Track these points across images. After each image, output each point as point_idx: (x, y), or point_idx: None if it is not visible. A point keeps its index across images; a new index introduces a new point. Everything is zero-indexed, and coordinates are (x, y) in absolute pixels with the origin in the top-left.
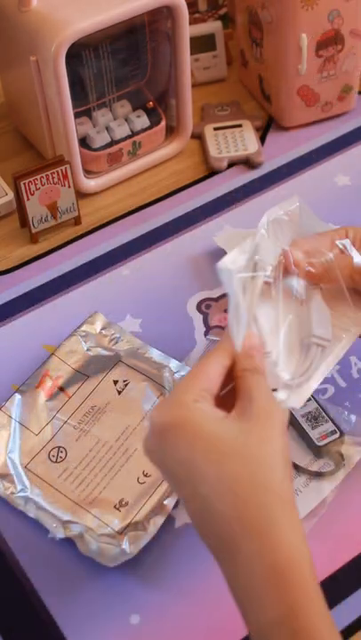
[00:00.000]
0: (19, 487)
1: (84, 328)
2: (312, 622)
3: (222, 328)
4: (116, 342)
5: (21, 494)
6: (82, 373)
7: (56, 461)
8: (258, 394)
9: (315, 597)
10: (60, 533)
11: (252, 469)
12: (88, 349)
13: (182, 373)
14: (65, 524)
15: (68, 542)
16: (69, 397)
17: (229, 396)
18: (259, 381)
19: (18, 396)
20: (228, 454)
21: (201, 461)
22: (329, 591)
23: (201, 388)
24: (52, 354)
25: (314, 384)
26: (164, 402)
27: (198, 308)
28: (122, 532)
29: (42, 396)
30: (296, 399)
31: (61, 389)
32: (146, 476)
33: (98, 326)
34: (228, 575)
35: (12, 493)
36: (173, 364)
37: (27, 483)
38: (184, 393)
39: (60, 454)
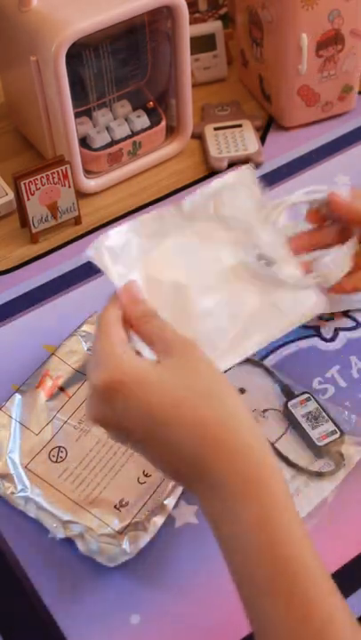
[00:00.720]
0: (19, 487)
1: (84, 328)
2: (287, 532)
3: None
4: None
5: (22, 494)
6: (82, 373)
7: (56, 461)
8: (169, 334)
9: (289, 509)
10: (60, 533)
11: (205, 400)
12: (88, 349)
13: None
14: (65, 523)
15: (68, 542)
16: (70, 397)
17: None
18: (161, 322)
19: (18, 396)
20: (178, 396)
21: (157, 411)
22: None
23: (119, 339)
24: (52, 354)
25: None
26: (97, 362)
27: None
28: (122, 532)
29: (42, 395)
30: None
31: (61, 389)
32: (146, 476)
33: None
34: (205, 503)
35: (13, 493)
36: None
37: (27, 483)
38: (111, 346)
39: (61, 454)
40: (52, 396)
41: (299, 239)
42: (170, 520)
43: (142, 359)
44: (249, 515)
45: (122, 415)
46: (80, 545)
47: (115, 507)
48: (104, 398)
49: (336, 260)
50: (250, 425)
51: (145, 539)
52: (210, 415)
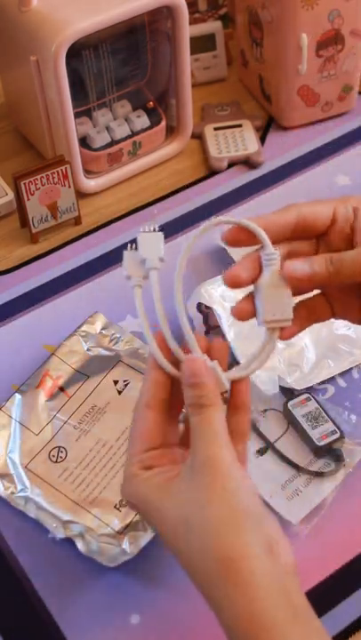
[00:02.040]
0: (19, 487)
1: (84, 328)
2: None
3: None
4: (117, 342)
5: (21, 494)
6: (82, 373)
7: (56, 461)
8: (200, 442)
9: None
10: (60, 533)
11: (199, 539)
12: (88, 349)
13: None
14: (65, 523)
15: (68, 542)
16: (69, 397)
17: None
18: (202, 422)
19: (18, 396)
20: (177, 532)
21: (163, 538)
22: (329, 592)
23: (139, 450)
24: (53, 354)
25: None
26: (124, 477)
27: (198, 307)
28: (122, 532)
29: (42, 395)
30: None
31: (61, 389)
32: None
33: (98, 326)
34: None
35: (13, 493)
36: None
37: (27, 483)
38: (129, 465)
39: (61, 454)
40: (52, 396)
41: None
42: None
43: (155, 476)
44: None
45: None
46: (80, 545)
47: (115, 507)
48: (128, 504)
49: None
50: (246, 566)
51: (145, 539)
52: (199, 559)
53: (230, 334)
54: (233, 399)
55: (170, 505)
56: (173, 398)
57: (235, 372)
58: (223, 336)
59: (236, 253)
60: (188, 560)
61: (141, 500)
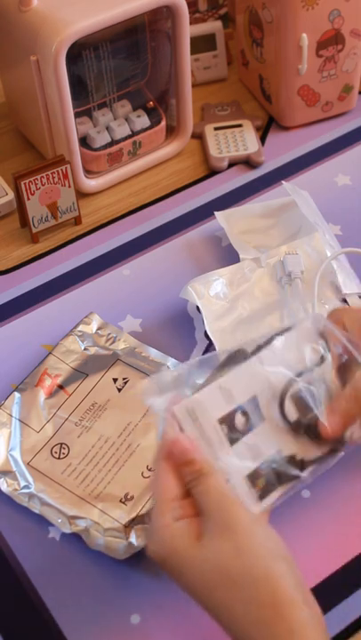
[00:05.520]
0: (22, 484)
1: (80, 328)
2: None
3: None
4: (113, 342)
5: (25, 491)
6: (80, 372)
7: (59, 458)
8: (208, 507)
9: None
10: (65, 528)
11: (239, 588)
12: (85, 349)
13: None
14: (70, 519)
15: (69, 542)
16: (69, 395)
17: None
18: (202, 492)
19: (17, 395)
20: (213, 580)
21: (194, 592)
22: (329, 592)
23: (168, 499)
24: (50, 353)
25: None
26: (151, 528)
27: (198, 308)
28: (128, 526)
29: (41, 394)
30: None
31: (61, 387)
32: (150, 470)
33: (94, 326)
34: None
35: (16, 490)
36: (172, 362)
37: (30, 479)
38: (160, 514)
39: (63, 451)
40: (51, 394)
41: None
42: None
43: (184, 527)
44: None
45: (172, 578)
46: (86, 539)
47: (120, 501)
48: (156, 561)
49: None
50: (282, 611)
51: None
52: (241, 608)
53: (212, 330)
54: None
55: (202, 556)
56: None
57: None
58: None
59: (240, 248)
60: (222, 607)
61: (173, 551)
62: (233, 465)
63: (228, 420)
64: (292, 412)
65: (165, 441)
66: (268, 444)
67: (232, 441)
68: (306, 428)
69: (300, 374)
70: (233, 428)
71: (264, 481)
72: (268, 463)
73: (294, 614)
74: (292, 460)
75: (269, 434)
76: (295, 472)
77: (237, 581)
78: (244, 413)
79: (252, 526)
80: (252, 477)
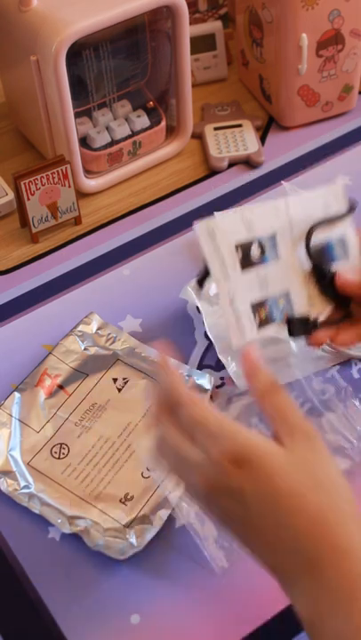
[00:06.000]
0: (22, 484)
1: (80, 328)
2: None
3: None
4: (113, 342)
5: (25, 491)
6: (80, 372)
7: (59, 458)
8: (292, 416)
9: None
10: (65, 528)
11: (329, 494)
12: (85, 349)
13: (181, 371)
14: (70, 519)
15: (69, 542)
16: (69, 395)
17: None
18: (283, 399)
19: (17, 395)
20: (306, 486)
21: (285, 497)
22: None
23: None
24: (50, 353)
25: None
26: (212, 433)
27: (198, 308)
28: (128, 526)
29: (41, 394)
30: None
31: (61, 387)
32: (150, 470)
33: (94, 326)
34: (309, 599)
35: (16, 490)
36: (172, 362)
37: (30, 479)
38: (225, 422)
39: (63, 451)
40: (51, 394)
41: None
42: (170, 521)
43: (266, 439)
44: (359, 617)
45: (249, 493)
46: (86, 539)
47: (120, 501)
48: (228, 473)
49: None
50: (358, 519)
51: (151, 532)
52: (332, 513)
53: (211, 332)
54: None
55: (293, 463)
56: None
57: None
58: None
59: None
60: (315, 511)
61: (258, 456)
62: (241, 288)
63: (244, 248)
64: (312, 257)
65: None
66: (278, 281)
67: (244, 266)
68: (320, 276)
69: (323, 223)
70: (247, 257)
71: (266, 313)
72: (274, 299)
73: None
74: (295, 306)
75: (281, 273)
76: (298, 315)
77: (328, 488)
78: (261, 246)
79: (327, 450)
80: (256, 307)
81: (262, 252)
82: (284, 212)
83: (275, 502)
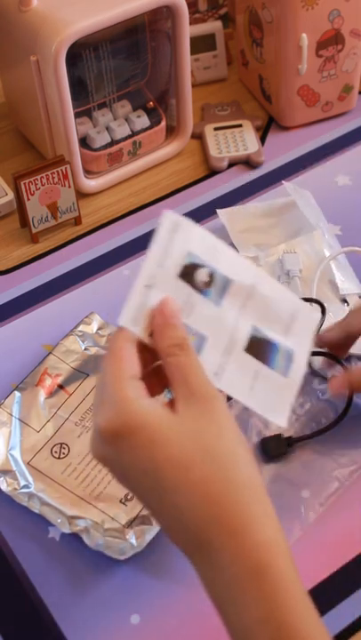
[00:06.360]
0: (22, 483)
1: (80, 328)
2: (296, 616)
3: None
4: None
5: (25, 490)
6: (81, 372)
7: (59, 457)
8: (194, 378)
9: (297, 592)
10: (65, 528)
11: (220, 467)
12: (86, 349)
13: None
14: (70, 519)
15: (69, 542)
16: (70, 395)
17: (153, 374)
18: (192, 362)
19: (17, 394)
20: (192, 458)
21: (166, 470)
22: (329, 592)
23: (129, 375)
24: (50, 352)
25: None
26: (102, 399)
27: None
28: (128, 526)
29: (42, 393)
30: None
31: (61, 387)
32: None
33: (94, 326)
34: (206, 579)
35: (15, 489)
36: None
37: (30, 479)
38: (120, 389)
39: (63, 450)
40: (51, 394)
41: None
42: None
43: (154, 402)
44: (256, 610)
45: (127, 464)
46: (86, 539)
47: (120, 501)
48: (108, 442)
49: None
50: (261, 497)
51: (151, 532)
52: (221, 488)
53: None
54: None
55: (180, 433)
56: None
57: None
58: None
59: (240, 246)
60: (197, 486)
61: (144, 425)
62: (166, 286)
63: (193, 264)
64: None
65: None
66: (202, 321)
67: (182, 277)
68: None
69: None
70: (191, 274)
71: None
72: (188, 328)
73: (268, 502)
74: None
75: (211, 319)
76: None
77: (219, 461)
78: (211, 278)
79: (230, 417)
80: None
81: (208, 284)
82: (252, 276)
83: (155, 476)
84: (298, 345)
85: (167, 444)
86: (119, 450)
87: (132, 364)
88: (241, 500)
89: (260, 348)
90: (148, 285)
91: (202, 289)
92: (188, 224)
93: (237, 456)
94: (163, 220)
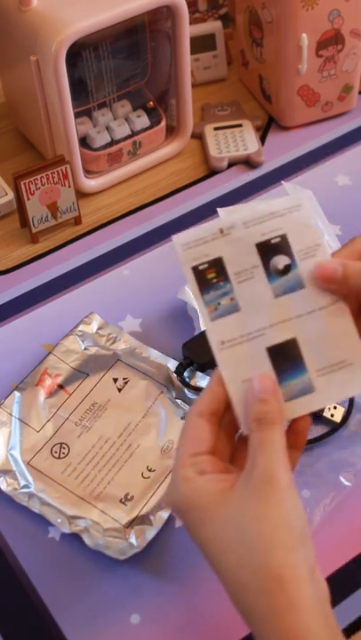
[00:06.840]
0: (22, 483)
1: (80, 328)
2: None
3: None
4: (114, 342)
5: (25, 490)
6: (81, 372)
7: (59, 457)
8: (262, 459)
9: None
10: (65, 528)
11: (251, 553)
12: (86, 348)
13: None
14: (70, 518)
15: (69, 542)
16: (69, 395)
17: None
18: (266, 439)
19: (17, 394)
20: (229, 541)
21: (208, 549)
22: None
23: (192, 453)
24: (50, 352)
25: None
26: (172, 479)
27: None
28: (128, 526)
29: (42, 393)
30: None
31: (61, 387)
32: (150, 470)
33: (94, 326)
34: None
35: (15, 489)
36: (172, 363)
37: (30, 479)
38: (180, 466)
39: (63, 450)
40: (51, 394)
41: None
42: (170, 520)
43: (211, 479)
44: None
45: (189, 533)
46: (86, 539)
47: (120, 501)
48: (176, 513)
49: None
50: (295, 584)
51: (151, 532)
52: (248, 577)
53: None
54: (292, 436)
55: (225, 513)
56: (227, 414)
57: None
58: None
59: None
60: (231, 570)
61: (194, 505)
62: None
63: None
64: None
65: (210, 392)
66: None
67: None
68: None
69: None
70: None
71: None
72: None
73: (299, 589)
74: None
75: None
76: None
77: (252, 547)
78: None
79: (286, 491)
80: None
81: (280, 272)
82: (328, 301)
83: (202, 551)
84: (324, 393)
85: (211, 523)
86: (184, 522)
87: (198, 440)
88: (264, 588)
89: (284, 360)
90: (221, 233)
91: (271, 272)
92: (312, 211)
93: (272, 544)
94: (290, 191)
